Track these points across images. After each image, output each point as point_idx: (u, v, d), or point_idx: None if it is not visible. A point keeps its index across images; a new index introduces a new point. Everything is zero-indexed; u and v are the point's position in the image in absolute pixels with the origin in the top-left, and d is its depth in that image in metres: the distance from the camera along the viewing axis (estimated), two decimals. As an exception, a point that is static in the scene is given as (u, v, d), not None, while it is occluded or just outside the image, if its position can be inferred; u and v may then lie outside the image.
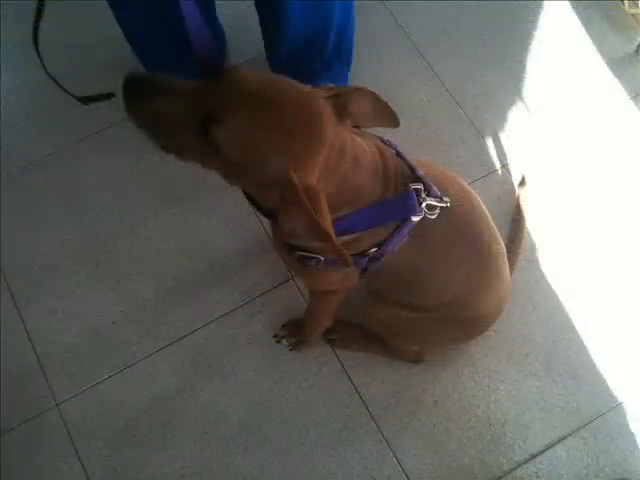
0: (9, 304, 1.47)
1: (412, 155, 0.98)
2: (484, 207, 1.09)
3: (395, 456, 1.35)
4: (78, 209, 1.56)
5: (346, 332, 1.41)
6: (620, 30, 1.77)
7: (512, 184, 1.59)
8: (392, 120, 0.89)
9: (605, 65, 1.73)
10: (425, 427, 1.37)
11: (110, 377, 1.41)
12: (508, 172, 1.61)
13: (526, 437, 1.37)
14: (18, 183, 1.59)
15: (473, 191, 1.08)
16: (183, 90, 0.75)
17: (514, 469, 1.35)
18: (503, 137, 1.64)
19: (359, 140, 0.88)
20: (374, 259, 0.97)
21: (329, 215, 0.78)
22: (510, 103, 1.69)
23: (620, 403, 1.40)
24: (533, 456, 1.36)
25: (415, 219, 0.93)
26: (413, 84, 1.70)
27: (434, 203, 0.93)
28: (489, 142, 1.64)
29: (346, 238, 0.92)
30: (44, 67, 0.90)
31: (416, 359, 1.40)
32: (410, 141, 1.61)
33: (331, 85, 0.85)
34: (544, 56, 1.74)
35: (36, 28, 0.85)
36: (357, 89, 0.84)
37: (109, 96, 0.95)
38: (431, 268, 1.03)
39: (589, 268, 1.51)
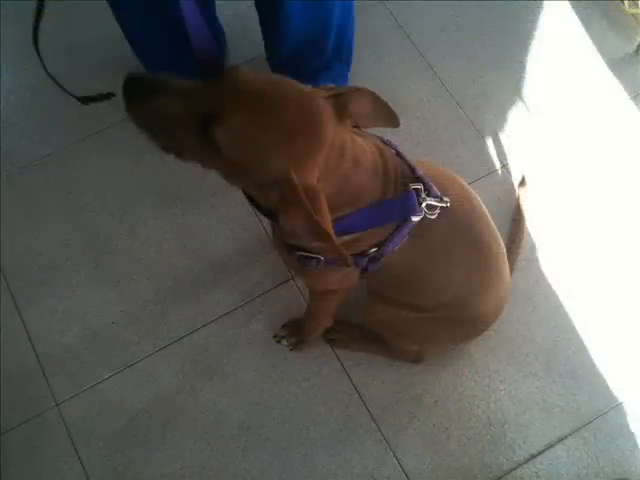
0: (9, 304, 1.47)
1: (412, 155, 0.98)
2: (484, 207, 1.09)
3: (395, 456, 1.35)
4: (78, 209, 1.56)
5: (346, 332, 1.41)
6: (620, 30, 1.77)
7: (512, 184, 1.59)
8: (392, 120, 0.89)
9: (605, 65, 1.73)
10: (425, 427, 1.38)
11: (110, 377, 1.41)
12: (508, 172, 1.61)
13: (526, 437, 1.37)
14: (18, 183, 1.59)
15: (473, 191, 1.08)
16: (183, 90, 0.75)
17: (514, 469, 1.35)
18: (503, 137, 1.64)
19: (359, 140, 0.88)
20: (374, 259, 0.97)
21: (329, 215, 0.78)
22: (510, 103, 1.69)
23: (620, 403, 1.40)
24: (533, 456, 1.36)
25: (415, 219, 0.93)
26: (413, 84, 1.70)
27: (434, 203, 0.93)
28: (489, 142, 1.64)
29: (346, 238, 0.92)
30: (44, 67, 0.90)
31: (416, 359, 1.40)
32: (410, 141, 1.61)
33: (331, 85, 0.85)
34: (544, 56, 1.74)
35: (36, 28, 0.85)
36: (357, 89, 0.84)
37: (109, 96, 0.95)
38: (431, 268, 1.03)
39: (589, 268, 1.51)
